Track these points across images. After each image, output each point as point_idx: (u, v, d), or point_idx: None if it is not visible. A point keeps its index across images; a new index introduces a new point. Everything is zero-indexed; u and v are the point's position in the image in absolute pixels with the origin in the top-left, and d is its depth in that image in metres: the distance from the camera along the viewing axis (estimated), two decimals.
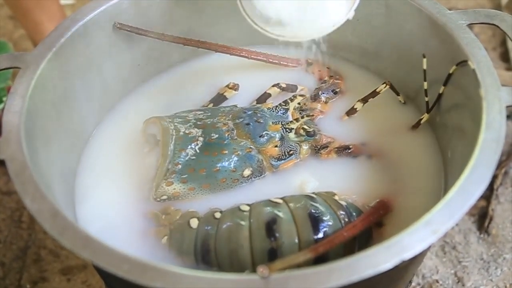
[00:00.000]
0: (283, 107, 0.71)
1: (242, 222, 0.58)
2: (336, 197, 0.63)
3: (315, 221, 0.57)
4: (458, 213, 0.49)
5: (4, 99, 1.10)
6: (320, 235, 0.57)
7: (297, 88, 0.77)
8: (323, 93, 0.75)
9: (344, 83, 0.78)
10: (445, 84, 0.66)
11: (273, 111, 0.70)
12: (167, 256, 0.61)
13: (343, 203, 0.61)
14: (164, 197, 0.64)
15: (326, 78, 0.78)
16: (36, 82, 0.62)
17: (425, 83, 0.68)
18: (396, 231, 0.48)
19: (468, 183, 0.51)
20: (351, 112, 0.73)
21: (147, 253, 0.61)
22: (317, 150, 0.69)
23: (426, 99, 0.69)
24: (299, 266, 0.50)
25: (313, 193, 0.63)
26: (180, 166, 0.64)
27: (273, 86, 0.77)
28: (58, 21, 0.69)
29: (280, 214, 0.58)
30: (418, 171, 0.68)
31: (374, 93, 0.72)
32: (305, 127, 0.68)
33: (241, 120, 0.67)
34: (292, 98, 0.73)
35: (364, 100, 0.72)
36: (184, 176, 0.64)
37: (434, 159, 0.69)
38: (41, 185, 0.53)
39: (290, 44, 0.69)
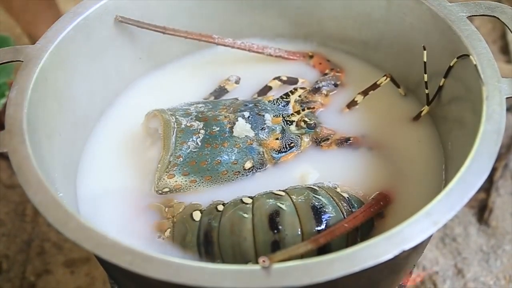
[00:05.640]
0: (284, 99, 0.71)
1: (245, 215, 0.58)
2: (338, 189, 0.63)
3: (317, 213, 0.58)
4: (459, 204, 0.49)
5: (6, 93, 1.10)
6: (323, 227, 0.57)
7: (298, 81, 0.77)
8: (324, 86, 0.75)
9: (345, 75, 0.78)
10: (445, 77, 0.67)
11: (274, 104, 0.71)
12: (170, 249, 0.61)
13: (345, 195, 0.62)
14: (166, 189, 0.65)
15: (326, 71, 0.78)
16: (38, 75, 0.62)
17: (426, 76, 0.68)
18: (398, 222, 0.48)
19: (469, 174, 0.51)
20: (351, 104, 0.73)
21: (149, 245, 0.61)
22: (318, 142, 0.69)
23: (427, 91, 0.69)
24: (302, 257, 0.50)
25: (315, 184, 0.63)
26: (181, 159, 0.64)
27: (274, 79, 0.77)
28: (52, 21, 0.68)
29: (283, 206, 0.58)
30: (419, 163, 0.68)
31: (374, 86, 0.72)
32: (306, 119, 0.68)
33: (242, 113, 0.68)
34: (293, 91, 0.73)
35: (365, 93, 0.72)
36: (185, 168, 0.64)
37: (435, 151, 0.69)
38: (44, 178, 0.53)
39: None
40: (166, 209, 0.64)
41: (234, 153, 0.65)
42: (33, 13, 1.12)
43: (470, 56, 0.61)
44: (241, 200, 0.61)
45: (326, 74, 0.78)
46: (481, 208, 1.00)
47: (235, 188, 0.65)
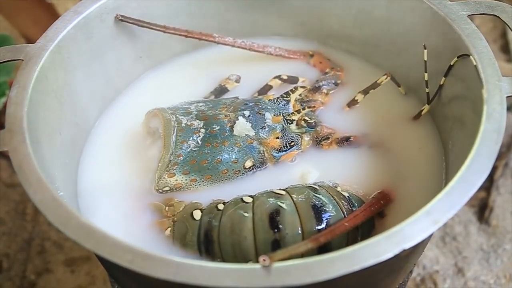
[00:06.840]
0: (284, 98, 0.71)
1: (246, 214, 0.58)
2: (338, 188, 0.63)
3: (318, 212, 0.58)
4: (459, 203, 0.49)
5: (7, 92, 1.10)
6: (323, 226, 0.57)
7: (298, 80, 0.77)
8: (324, 85, 0.75)
9: (345, 74, 0.78)
10: (446, 75, 0.66)
11: (275, 103, 0.70)
12: (171, 248, 0.61)
13: (346, 193, 0.62)
14: (166, 188, 0.65)
15: (327, 70, 0.78)
16: (38, 74, 0.62)
17: (426, 74, 0.68)
18: (398, 221, 0.48)
19: (469, 173, 0.51)
20: (352, 103, 0.73)
21: (150, 245, 0.61)
22: (318, 141, 0.69)
23: (427, 90, 0.69)
24: (302, 256, 0.50)
25: (315, 183, 0.63)
26: (182, 158, 0.64)
27: (274, 78, 0.77)
28: (45, 23, 0.68)
29: (283, 205, 0.58)
30: (419, 162, 0.68)
31: (375, 85, 0.72)
32: (306, 118, 0.68)
33: (242, 111, 0.68)
34: (293, 89, 0.73)
35: (365, 92, 0.72)
36: (186, 167, 0.64)
37: (435, 149, 0.69)
38: (44, 176, 0.53)
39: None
40: (167, 208, 0.64)
41: (235, 152, 0.65)
42: (26, 14, 1.11)
43: (470, 57, 0.61)
44: (242, 199, 0.61)
45: (326, 73, 0.78)
46: (481, 207, 1.00)
47: (235, 187, 0.65)
